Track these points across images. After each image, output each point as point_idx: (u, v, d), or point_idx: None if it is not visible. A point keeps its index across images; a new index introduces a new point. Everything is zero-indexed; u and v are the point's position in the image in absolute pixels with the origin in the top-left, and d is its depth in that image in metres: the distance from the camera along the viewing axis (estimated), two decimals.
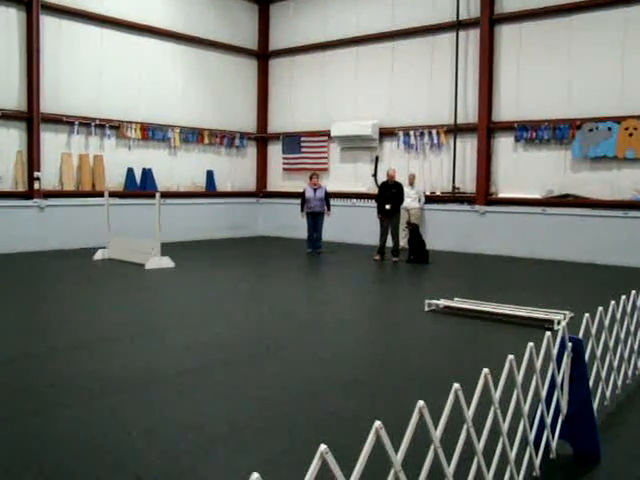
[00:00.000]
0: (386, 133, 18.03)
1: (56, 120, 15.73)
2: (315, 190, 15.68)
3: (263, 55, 20.98)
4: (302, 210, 15.79)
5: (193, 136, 18.92)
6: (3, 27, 14.87)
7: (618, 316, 5.10)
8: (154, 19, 17.74)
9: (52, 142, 15.76)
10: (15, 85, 15.15)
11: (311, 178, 15.90)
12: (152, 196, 13.23)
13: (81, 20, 16.13)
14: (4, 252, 14.28)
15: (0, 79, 14.88)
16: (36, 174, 15.26)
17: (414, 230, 14.21)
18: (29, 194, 15.25)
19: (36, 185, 15.24)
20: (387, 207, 14.26)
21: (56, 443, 4.22)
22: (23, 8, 15.09)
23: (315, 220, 15.76)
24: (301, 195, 15.90)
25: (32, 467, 3.87)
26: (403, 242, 15.10)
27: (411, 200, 16.00)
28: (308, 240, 15.90)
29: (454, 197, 16.69)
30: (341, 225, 17.70)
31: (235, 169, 20.52)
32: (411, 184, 16.19)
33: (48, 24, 15.50)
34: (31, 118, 15.20)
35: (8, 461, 3.94)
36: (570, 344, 4.03)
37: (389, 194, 14.40)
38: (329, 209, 15.77)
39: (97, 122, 16.44)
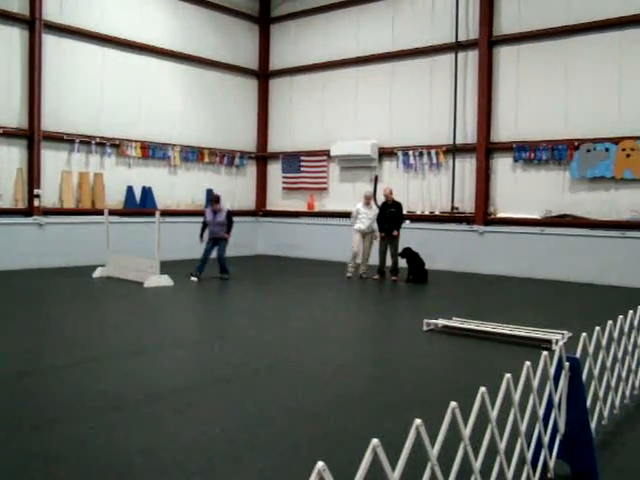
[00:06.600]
0: (385, 153, 18.12)
1: (57, 138, 15.81)
2: (215, 213, 13.94)
3: (263, 75, 21.13)
4: (201, 236, 13.97)
5: (193, 155, 19.00)
6: (6, 46, 15.01)
7: (616, 335, 5.11)
8: (155, 38, 17.89)
9: (52, 160, 15.83)
10: (16, 103, 15.25)
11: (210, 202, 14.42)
12: (152, 214, 13.27)
13: (82, 39, 16.26)
14: (3, 269, 14.26)
15: (2, 97, 14.99)
16: (36, 191, 15.31)
17: (408, 252, 14.17)
18: (29, 211, 15.29)
19: (36, 202, 15.29)
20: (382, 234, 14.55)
21: (54, 460, 4.21)
22: (26, 27, 15.23)
23: (215, 245, 13.96)
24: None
25: None
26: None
27: (371, 222, 14.62)
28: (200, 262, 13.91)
29: (453, 217, 16.74)
30: (345, 244, 17.74)
31: (235, 188, 20.59)
32: (367, 204, 14.74)
33: (50, 43, 15.63)
34: (32, 136, 15.28)
35: (7, 478, 3.93)
36: (567, 363, 4.04)
37: (387, 214, 14.42)
38: (228, 232, 14.00)
39: (97, 140, 16.52)
